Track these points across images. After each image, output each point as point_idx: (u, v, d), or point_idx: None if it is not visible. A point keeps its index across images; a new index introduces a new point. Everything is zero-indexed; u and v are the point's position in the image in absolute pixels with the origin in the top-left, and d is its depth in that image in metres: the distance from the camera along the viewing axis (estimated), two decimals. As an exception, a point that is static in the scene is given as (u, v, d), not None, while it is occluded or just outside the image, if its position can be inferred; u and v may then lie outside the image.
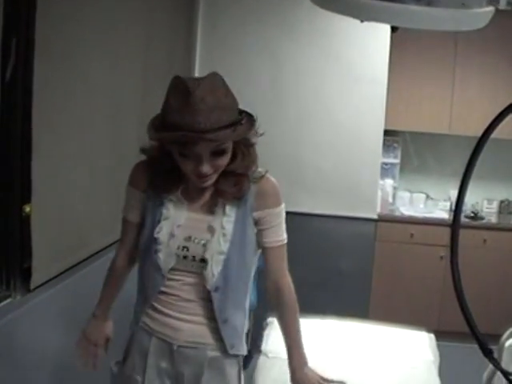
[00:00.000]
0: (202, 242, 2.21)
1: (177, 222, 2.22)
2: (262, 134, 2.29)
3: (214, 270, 2.18)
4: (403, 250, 5.75)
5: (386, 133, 5.64)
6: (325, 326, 3.60)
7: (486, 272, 5.62)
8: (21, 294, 2.72)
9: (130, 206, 2.37)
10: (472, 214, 5.96)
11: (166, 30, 4.56)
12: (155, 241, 2.22)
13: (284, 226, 2.30)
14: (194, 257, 2.21)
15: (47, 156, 2.82)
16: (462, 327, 4.68)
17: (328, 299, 4.99)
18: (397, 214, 6.02)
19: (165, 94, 2.10)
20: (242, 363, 2.40)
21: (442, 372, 3.53)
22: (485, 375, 3.17)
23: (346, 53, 5.33)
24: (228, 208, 2.21)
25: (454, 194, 6.04)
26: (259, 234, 2.27)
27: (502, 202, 6.37)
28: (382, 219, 5.69)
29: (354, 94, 5.34)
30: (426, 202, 6.32)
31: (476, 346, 3.53)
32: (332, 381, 2.31)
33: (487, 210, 6.29)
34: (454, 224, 2.57)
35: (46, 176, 2.81)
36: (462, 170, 2.52)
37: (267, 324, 3.56)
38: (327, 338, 3.40)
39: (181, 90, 2.03)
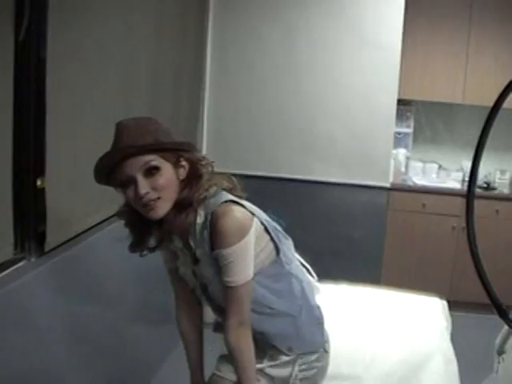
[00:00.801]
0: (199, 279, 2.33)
1: (181, 262, 2.36)
2: (211, 165, 2.26)
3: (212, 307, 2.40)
4: (415, 220, 5.74)
5: (399, 102, 5.61)
6: (338, 291, 3.61)
7: (499, 242, 5.62)
8: (36, 257, 2.78)
9: (164, 259, 2.47)
10: (485, 185, 5.94)
11: (178, 4, 4.53)
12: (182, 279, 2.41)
13: (240, 266, 2.15)
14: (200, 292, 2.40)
15: (61, 127, 2.84)
16: (472, 297, 4.72)
17: (341, 266, 5.00)
18: (409, 183, 6.00)
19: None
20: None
21: (453, 341, 3.55)
22: (497, 340, 3.18)
23: (360, 21, 5.29)
24: (198, 251, 2.23)
25: (466, 164, 6.03)
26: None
27: (515, 172, 6.35)
28: (394, 188, 5.68)
29: (367, 62, 5.31)
30: (439, 171, 6.30)
31: (486, 316, 3.56)
32: None
33: (500, 180, 6.26)
34: (469, 192, 2.58)
35: (59, 148, 2.84)
36: (474, 140, 2.52)
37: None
38: (340, 303, 3.41)
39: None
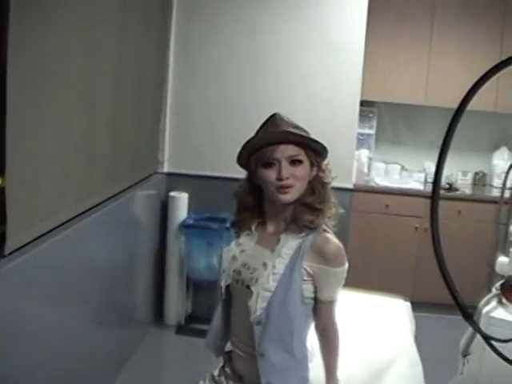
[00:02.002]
0: (254, 272, 2.37)
1: (243, 248, 2.47)
2: (333, 178, 2.46)
3: (259, 304, 2.31)
4: (378, 221, 5.76)
5: (362, 103, 5.61)
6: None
7: (461, 243, 5.66)
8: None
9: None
10: (447, 186, 5.98)
11: (142, 2, 4.48)
12: (223, 260, 2.54)
13: (339, 286, 2.44)
14: (243, 281, 2.40)
15: (22, 126, 2.77)
16: (435, 298, 4.74)
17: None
18: (372, 184, 6.03)
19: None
20: None
21: (417, 342, 3.55)
22: (462, 342, 3.20)
23: (323, 23, 5.27)
24: (284, 251, 2.35)
25: (428, 165, 6.07)
26: (314, 286, 2.37)
27: (476, 173, 6.42)
28: (357, 189, 5.69)
29: (330, 64, 5.30)
30: (401, 173, 6.34)
31: (449, 317, 3.57)
32: None
33: (462, 181, 6.33)
34: (434, 193, 2.57)
35: (20, 147, 2.76)
36: (437, 141, 2.51)
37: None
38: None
39: (265, 120, 2.41)
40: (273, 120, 2.37)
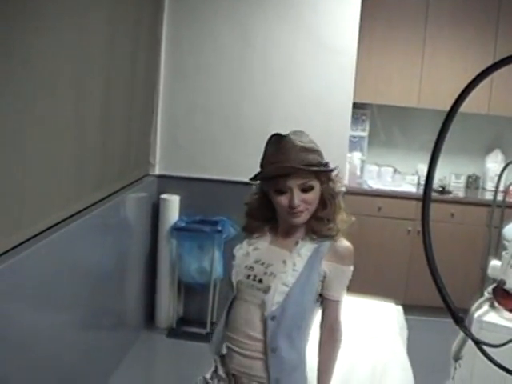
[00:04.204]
0: (268, 266, 2.45)
1: (256, 247, 2.53)
2: (344, 187, 2.64)
3: (276, 299, 2.38)
4: (370, 223, 5.74)
5: (355, 105, 5.59)
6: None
7: (453, 246, 5.65)
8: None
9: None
10: (440, 188, 5.98)
11: (133, 5, 4.45)
12: (233, 257, 2.55)
13: (346, 286, 2.50)
14: (255, 276, 2.45)
15: (9, 127, 2.74)
16: (427, 301, 4.72)
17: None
18: (364, 187, 6.02)
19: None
20: None
21: (409, 345, 3.54)
22: (454, 346, 3.18)
23: (316, 25, 5.25)
24: (304, 251, 2.45)
25: (421, 168, 6.06)
26: (324, 286, 2.46)
27: (469, 176, 6.42)
28: (349, 192, 5.66)
29: (323, 65, 5.28)
30: (394, 175, 6.33)
31: (441, 320, 3.54)
32: None
33: (455, 184, 6.33)
34: (426, 196, 2.56)
35: (7, 148, 2.73)
36: (429, 144, 2.49)
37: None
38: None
39: (275, 139, 2.43)
40: (283, 145, 2.40)
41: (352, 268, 2.50)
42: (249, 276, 2.46)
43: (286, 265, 2.42)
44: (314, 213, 2.46)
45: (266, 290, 2.39)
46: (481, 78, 2.17)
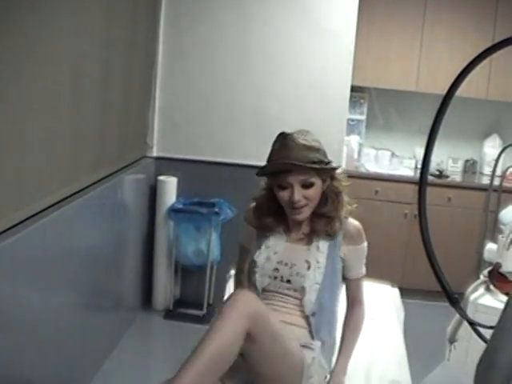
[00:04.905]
0: (293, 266, 2.60)
1: (275, 250, 2.66)
2: (347, 184, 2.68)
3: (312, 297, 2.56)
4: (368, 207, 5.72)
5: (353, 89, 5.57)
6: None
7: (450, 229, 5.66)
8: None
9: (244, 236, 2.88)
10: (437, 173, 5.98)
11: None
12: (254, 264, 2.66)
13: (364, 261, 2.77)
14: (282, 277, 2.61)
15: (6, 108, 2.72)
16: (424, 284, 4.73)
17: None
18: (362, 170, 6.02)
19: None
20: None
21: (405, 328, 3.55)
22: (449, 328, 3.20)
23: (314, 6, 5.21)
24: (321, 244, 2.61)
25: (419, 151, 6.06)
26: (345, 268, 2.69)
27: (466, 161, 6.41)
28: (347, 175, 5.66)
29: (321, 48, 5.25)
30: (392, 159, 6.33)
31: (438, 304, 3.56)
32: None
33: (452, 168, 6.33)
34: (422, 180, 2.57)
35: (3, 129, 2.71)
36: (428, 128, 2.51)
37: (230, 276, 3.54)
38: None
39: (280, 137, 2.56)
40: (286, 143, 2.52)
41: (366, 244, 2.75)
42: (276, 277, 2.61)
43: (311, 264, 2.58)
44: (316, 209, 2.60)
45: (300, 291, 2.57)
46: (479, 60, 2.18)
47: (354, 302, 2.75)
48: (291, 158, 2.48)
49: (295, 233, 2.70)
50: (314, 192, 2.55)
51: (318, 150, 2.54)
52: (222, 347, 2.17)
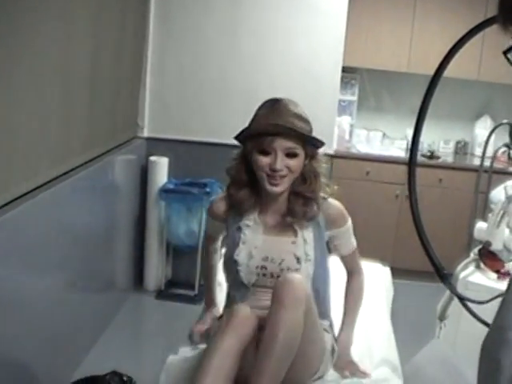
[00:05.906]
0: (282, 262, 2.51)
1: (254, 245, 2.53)
2: (326, 164, 2.62)
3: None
4: (359, 187, 5.75)
5: (344, 69, 5.57)
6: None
7: (442, 210, 5.67)
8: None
9: (209, 227, 2.85)
10: (428, 154, 5.99)
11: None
12: (235, 262, 2.53)
13: (352, 235, 2.73)
14: (271, 274, 2.52)
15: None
16: (415, 265, 4.76)
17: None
18: (353, 151, 6.02)
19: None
20: None
21: (395, 308, 3.57)
22: (439, 306, 3.21)
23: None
24: (307, 236, 2.54)
25: (410, 132, 5.97)
26: (334, 247, 2.68)
27: (458, 142, 6.41)
28: (338, 156, 5.68)
29: (312, 28, 5.24)
30: (383, 140, 6.33)
31: (428, 285, 3.57)
32: (364, 373, 2.57)
33: (443, 149, 6.34)
34: (411, 161, 2.58)
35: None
36: (418, 109, 2.52)
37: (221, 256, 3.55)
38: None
39: (269, 102, 2.47)
40: (277, 107, 2.42)
41: (350, 221, 2.68)
42: (264, 275, 2.53)
43: (300, 258, 2.51)
44: (292, 186, 2.51)
45: None
46: (469, 36, 2.18)
47: (353, 272, 2.77)
48: (282, 121, 2.37)
49: (271, 214, 2.58)
50: (297, 164, 2.44)
51: (307, 122, 2.46)
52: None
